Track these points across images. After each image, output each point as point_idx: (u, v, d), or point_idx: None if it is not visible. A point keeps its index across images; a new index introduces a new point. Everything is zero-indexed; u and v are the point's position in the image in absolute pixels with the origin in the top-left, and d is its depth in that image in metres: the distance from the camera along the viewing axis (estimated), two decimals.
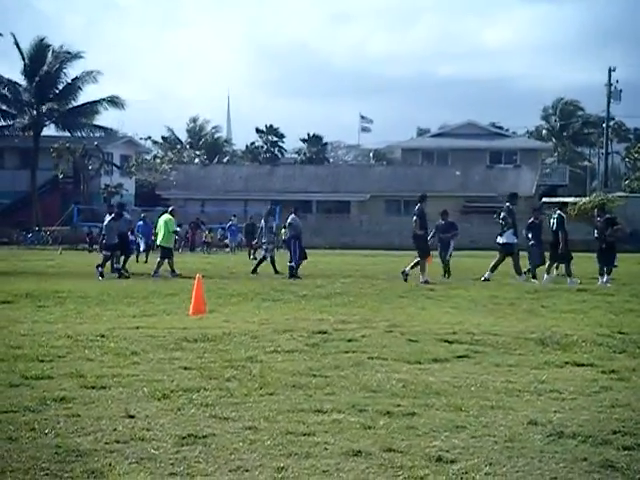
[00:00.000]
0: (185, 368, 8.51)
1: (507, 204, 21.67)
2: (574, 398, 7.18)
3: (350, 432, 5.98)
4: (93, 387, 7.48)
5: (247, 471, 5.08)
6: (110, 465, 5.18)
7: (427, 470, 5.10)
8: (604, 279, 20.45)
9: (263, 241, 25.52)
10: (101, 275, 22.58)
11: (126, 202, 35.29)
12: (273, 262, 24.72)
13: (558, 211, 21.46)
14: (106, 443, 5.68)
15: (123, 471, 5.05)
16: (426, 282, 20.03)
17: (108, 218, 24.19)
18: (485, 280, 20.44)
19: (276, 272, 24.03)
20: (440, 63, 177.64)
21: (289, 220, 24.19)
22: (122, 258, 24.38)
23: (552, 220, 21.54)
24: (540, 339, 10.54)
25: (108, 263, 23.46)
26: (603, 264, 20.90)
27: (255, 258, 34.39)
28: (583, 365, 8.83)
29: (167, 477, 4.94)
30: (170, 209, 25.44)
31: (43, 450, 5.48)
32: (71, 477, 4.96)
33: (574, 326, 11.92)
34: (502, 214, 21.64)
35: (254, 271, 24.48)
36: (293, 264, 23.17)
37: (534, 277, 21.01)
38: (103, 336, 10.67)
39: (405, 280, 20.52)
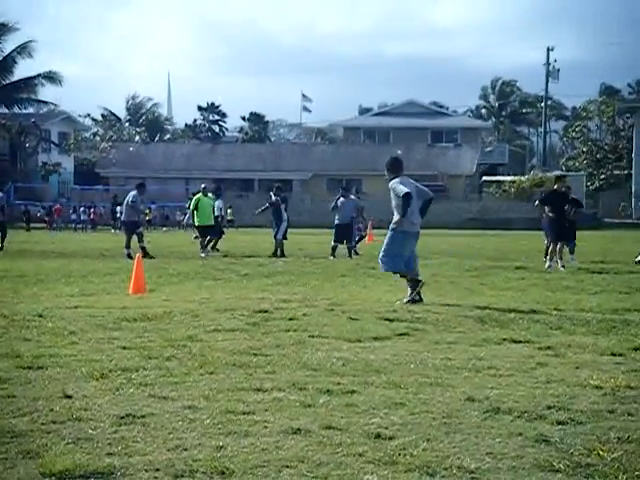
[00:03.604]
0: (124, 348, 8.43)
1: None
2: (511, 374, 7.28)
3: (290, 410, 5.99)
4: (30, 367, 7.36)
5: (186, 450, 5.05)
6: (46, 446, 5.10)
7: (366, 447, 5.12)
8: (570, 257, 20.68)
9: None
10: (129, 256, 21.49)
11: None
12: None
13: None
14: (42, 424, 5.60)
15: (60, 452, 4.98)
16: (549, 266, 19.16)
17: (132, 193, 23.18)
18: None
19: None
20: (384, 42, 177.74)
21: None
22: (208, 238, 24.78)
23: None
24: (479, 317, 10.67)
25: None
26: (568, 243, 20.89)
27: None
28: (520, 342, 8.94)
29: (104, 457, 4.89)
30: (202, 187, 25.21)
31: None
32: (6, 458, 4.87)
33: (512, 303, 12.09)
34: None
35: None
36: (352, 244, 23.72)
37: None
38: (41, 316, 10.51)
39: (557, 268, 19.07)
